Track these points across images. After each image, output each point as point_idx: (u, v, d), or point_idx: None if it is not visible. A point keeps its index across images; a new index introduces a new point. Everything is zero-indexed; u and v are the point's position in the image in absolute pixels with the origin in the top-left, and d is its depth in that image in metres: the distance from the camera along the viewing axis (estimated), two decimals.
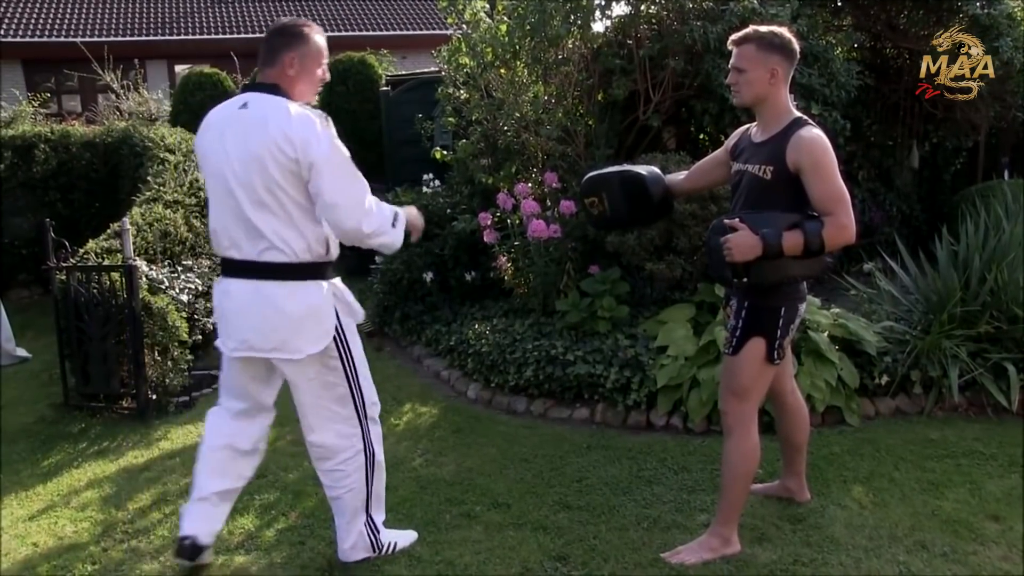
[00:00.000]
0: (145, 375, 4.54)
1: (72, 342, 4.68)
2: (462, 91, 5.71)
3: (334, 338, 2.70)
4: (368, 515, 2.89)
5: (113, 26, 16.89)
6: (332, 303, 2.71)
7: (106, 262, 4.77)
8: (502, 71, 5.31)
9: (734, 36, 2.81)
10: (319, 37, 2.71)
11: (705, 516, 3.15)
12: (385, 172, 8.17)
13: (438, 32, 15.79)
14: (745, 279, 2.67)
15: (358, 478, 2.82)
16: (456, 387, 4.82)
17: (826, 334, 4.11)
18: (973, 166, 6.66)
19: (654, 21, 5.30)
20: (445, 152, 6.02)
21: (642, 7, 5.25)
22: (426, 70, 8.92)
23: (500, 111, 5.27)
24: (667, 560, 2.86)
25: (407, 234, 2.80)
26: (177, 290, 5.07)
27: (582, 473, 3.61)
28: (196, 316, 5.26)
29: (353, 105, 8.78)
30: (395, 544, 2.98)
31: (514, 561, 2.91)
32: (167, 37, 16.98)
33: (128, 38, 16.39)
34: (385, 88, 8.78)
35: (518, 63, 5.24)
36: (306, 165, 2.52)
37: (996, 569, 2.78)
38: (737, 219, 2.66)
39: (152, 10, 17.67)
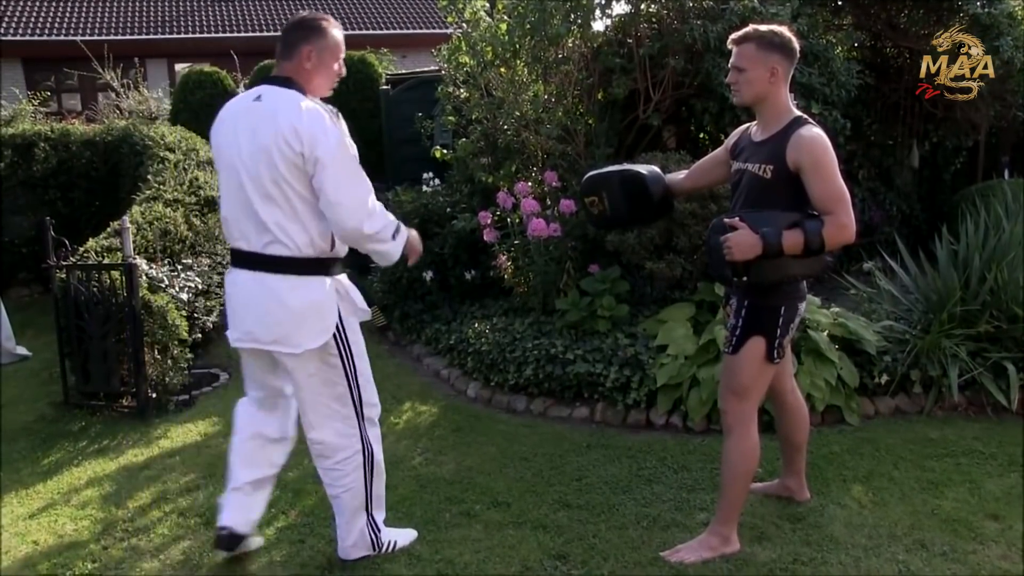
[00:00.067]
0: (145, 373, 4.54)
1: (72, 340, 4.68)
2: (462, 90, 5.71)
3: (335, 335, 2.70)
4: (369, 514, 2.89)
5: (113, 25, 16.89)
6: (335, 300, 2.71)
7: (106, 260, 4.77)
8: (502, 70, 5.31)
9: (734, 35, 2.81)
10: (337, 31, 2.72)
11: (705, 515, 3.15)
12: (385, 171, 8.16)
13: (438, 31, 15.80)
14: (745, 278, 2.68)
15: (356, 478, 2.82)
16: (456, 386, 4.82)
17: (826, 333, 4.11)
18: (973, 165, 6.66)
19: (654, 20, 5.30)
20: (445, 151, 6.02)
21: (642, 6, 5.25)
22: (426, 69, 8.92)
23: (500, 110, 5.27)
24: (667, 559, 2.86)
25: (404, 257, 2.82)
26: (177, 288, 5.07)
27: (582, 472, 3.61)
28: (196, 314, 5.26)
29: (353, 104, 8.77)
30: (395, 543, 2.98)
31: (514, 560, 2.92)
32: (167, 36, 16.98)
33: (128, 37, 16.39)
34: (385, 87, 8.77)
35: (518, 62, 5.24)
36: (311, 160, 2.52)
37: (995, 568, 2.78)
38: (737, 218, 2.67)
39: (152, 9, 17.66)
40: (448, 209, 5.74)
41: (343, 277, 2.80)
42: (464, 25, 5.49)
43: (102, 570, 3.00)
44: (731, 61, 2.79)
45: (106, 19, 17.07)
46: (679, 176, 3.22)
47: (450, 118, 5.97)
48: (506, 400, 4.49)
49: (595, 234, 4.90)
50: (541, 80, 5.23)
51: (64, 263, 4.74)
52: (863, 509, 3.19)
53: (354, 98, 8.84)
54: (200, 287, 5.36)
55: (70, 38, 14.75)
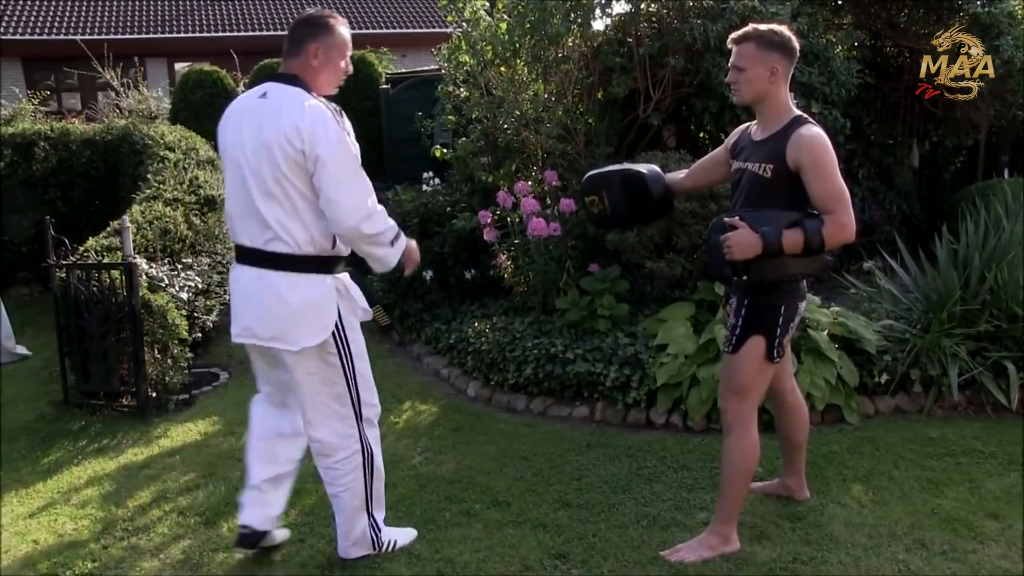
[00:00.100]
0: (145, 373, 4.54)
1: (72, 340, 4.68)
2: (462, 89, 5.71)
3: (334, 334, 2.70)
4: (370, 514, 2.89)
5: (113, 24, 16.88)
6: (334, 298, 2.71)
7: (106, 260, 4.77)
8: (502, 69, 5.31)
9: (734, 34, 2.81)
10: (344, 29, 2.73)
11: (705, 514, 3.15)
12: (385, 170, 8.17)
13: (438, 30, 15.79)
14: (745, 277, 2.68)
15: (356, 478, 2.82)
16: (456, 385, 4.82)
17: (826, 332, 4.11)
18: (973, 165, 6.66)
19: (654, 19, 5.30)
20: (445, 150, 6.02)
21: (642, 5, 5.24)
22: (426, 68, 8.92)
23: (500, 109, 5.27)
24: (666, 558, 2.86)
25: (401, 265, 2.83)
26: (177, 288, 5.07)
27: (582, 471, 3.61)
28: (196, 314, 5.27)
29: (353, 103, 8.76)
30: (395, 542, 2.98)
31: (514, 559, 2.92)
32: (167, 35, 16.97)
33: (128, 36, 16.39)
34: (385, 86, 8.78)
35: (518, 61, 5.24)
36: (312, 158, 2.53)
37: (995, 567, 2.78)
38: (737, 217, 2.67)
39: (152, 8, 17.66)
40: (448, 208, 5.74)
41: (345, 276, 2.79)
42: (464, 24, 5.49)
43: (102, 569, 3.00)
44: (731, 60, 2.79)
45: (106, 18, 17.07)
46: (679, 175, 3.22)
47: (450, 117, 5.97)
48: (506, 399, 4.49)
49: (595, 233, 4.90)
50: (541, 79, 5.23)
51: (64, 262, 4.74)
52: (863, 508, 3.19)
53: (354, 97, 8.83)
54: (200, 286, 5.36)
55: (70, 37, 14.74)
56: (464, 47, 5.49)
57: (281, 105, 2.57)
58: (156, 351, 4.65)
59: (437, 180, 6.43)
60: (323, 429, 2.78)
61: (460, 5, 5.44)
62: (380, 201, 2.73)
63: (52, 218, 5.03)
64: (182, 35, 17.02)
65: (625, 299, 4.70)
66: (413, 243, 2.87)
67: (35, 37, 16.10)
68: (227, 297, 5.76)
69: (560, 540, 3.03)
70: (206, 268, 5.63)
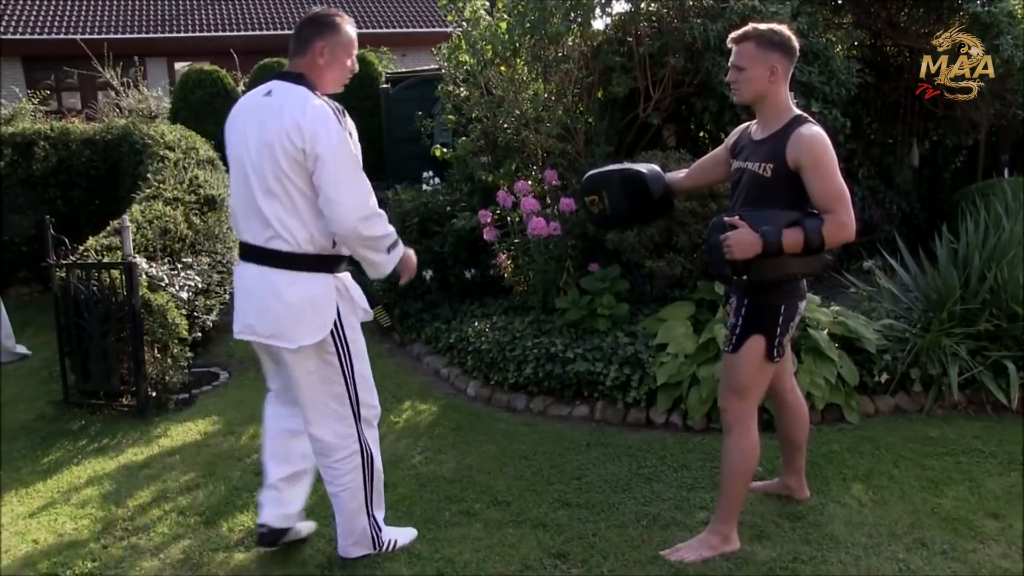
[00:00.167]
0: (145, 372, 4.54)
1: (72, 339, 4.68)
2: (462, 88, 5.71)
3: (332, 333, 2.69)
4: (370, 513, 2.89)
5: (113, 23, 16.88)
6: (333, 297, 2.71)
7: (106, 259, 4.77)
8: (502, 69, 5.31)
9: (733, 34, 2.81)
10: (350, 28, 2.73)
11: (705, 513, 3.15)
12: (385, 169, 8.17)
13: (438, 30, 15.79)
14: (745, 277, 2.68)
15: (355, 478, 2.81)
16: (456, 385, 4.82)
17: (826, 332, 4.11)
18: (973, 164, 6.66)
19: (654, 19, 5.30)
20: (445, 150, 6.02)
21: (642, 4, 5.24)
22: (426, 67, 8.92)
23: (500, 109, 5.27)
24: (666, 557, 2.86)
25: (396, 275, 2.83)
26: (177, 287, 5.07)
27: (581, 471, 3.61)
28: (196, 313, 5.26)
29: (353, 102, 8.75)
30: (395, 541, 2.98)
31: (514, 558, 2.92)
32: (167, 34, 16.97)
33: (128, 35, 16.39)
34: (385, 85, 8.79)
35: (518, 61, 5.24)
36: (312, 156, 2.53)
37: (995, 567, 2.78)
38: (737, 216, 2.67)
39: (152, 7, 17.66)
40: (448, 208, 5.74)
41: (346, 276, 2.79)
42: (464, 24, 5.49)
43: (102, 569, 3.00)
44: (731, 60, 2.79)
45: (106, 18, 17.07)
46: (679, 175, 3.22)
47: (450, 117, 5.97)
48: (506, 399, 4.49)
49: (595, 233, 4.90)
50: (541, 79, 5.23)
51: (64, 262, 4.74)
52: (863, 508, 3.19)
53: (354, 96, 8.82)
54: (200, 286, 5.36)
55: (70, 37, 14.73)
56: (464, 46, 5.49)
57: (284, 103, 2.58)
58: (156, 350, 4.65)
59: (437, 179, 6.43)
60: (322, 428, 2.78)
61: (460, 4, 5.44)
62: (380, 201, 2.73)
63: (52, 217, 5.03)
64: (182, 35, 17.02)
65: (625, 298, 4.70)
66: (411, 253, 2.87)
67: (35, 36, 16.10)
68: (227, 296, 5.78)
69: (560, 539, 3.03)
70: (206, 267, 5.63)
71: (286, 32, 16.57)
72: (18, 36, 16.00)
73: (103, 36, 14.52)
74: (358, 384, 2.79)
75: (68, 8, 17.15)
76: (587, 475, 3.56)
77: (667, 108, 5.29)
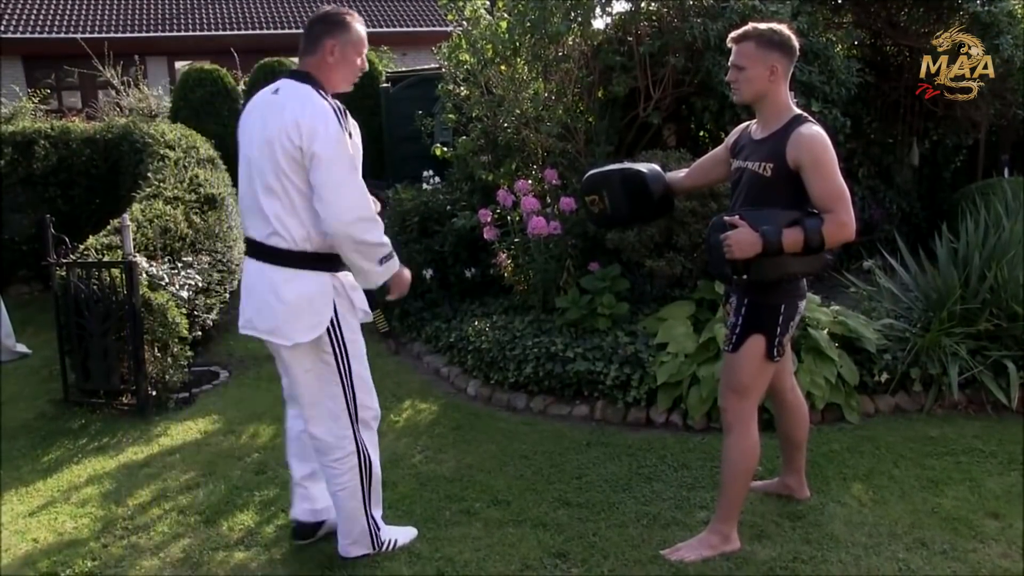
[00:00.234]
0: (145, 371, 4.54)
1: (72, 338, 4.68)
2: (462, 88, 5.70)
3: (329, 333, 2.69)
4: (369, 513, 2.89)
5: (113, 22, 16.87)
6: (330, 296, 2.70)
7: (106, 258, 4.77)
8: (502, 68, 5.31)
9: (734, 33, 2.81)
10: (360, 26, 2.74)
11: (705, 513, 3.15)
12: (385, 169, 8.17)
13: (438, 29, 15.79)
14: (745, 276, 2.68)
15: (352, 478, 2.81)
16: (456, 384, 4.82)
17: (826, 331, 4.11)
18: (973, 164, 6.66)
19: (654, 18, 5.30)
20: (445, 149, 6.02)
21: (642, 4, 5.24)
22: (426, 67, 8.92)
23: (500, 108, 5.27)
24: (666, 557, 2.86)
25: (386, 290, 2.82)
26: (177, 286, 5.06)
27: (582, 470, 3.61)
28: (196, 312, 5.26)
29: (353, 101, 8.74)
30: (395, 541, 2.98)
31: (514, 558, 2.92)
32: (167, 33, 16.96)
33: (128, 34, 16.38)
34: (385, 85, 8.78)
35: (518, 60, 5.24)
36: (308, 155, 2.53)
37: (995, 566, 2.78)
38: (737, 216, 2.67)
39: (152, 6, 17.64)
40: (448, 207, 5.74)
41: (347, 276, 2.78)
42: (464, 23, 5.49)
43: (102, 568, 3.00)
44: (731, 59, 2.79)
45: (106, 17, 17.06)
46: (679, 174, 3.22)
47: (450, 116, 5.97)
48: (506, 398, 4.49)
49: (595, 232, 4.90)
50: (541, 78, 5.23)
51: (64, 261, 4.73)
52: (863, 507, 3.19)
53: (355, 95, 8.79)
54: (200, 285, 5.36)
55: (70, 36, 14.71)
56: (464, 46, 5.49)
57: (287, 101, 2.59)
58: (156, 349, 4.65)
59: (437, 179, 6.43)
60: (320, 426, 2.78)
61: (460, 4, 5.45)
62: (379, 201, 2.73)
63: (52, 216, 5.02)
64: (182, 34, 17.01)
65: (625, 298, 4.70)
66: (406, 271, 2.85)
67: (36, 35, 16.09)
68: (227, 295, 5.78)
69: (560, 539, 3.03)
70: (206, 266, 5.63)
71: (287, 31, 16.61)
72: (18, 35, 15.99)
73: (103, 35, 14.51)
74: (355, 385, 2.79)
75: (68, 7, 17.14)
76: (587, 474, 3.56)
77: (667, 107, 5.29)
